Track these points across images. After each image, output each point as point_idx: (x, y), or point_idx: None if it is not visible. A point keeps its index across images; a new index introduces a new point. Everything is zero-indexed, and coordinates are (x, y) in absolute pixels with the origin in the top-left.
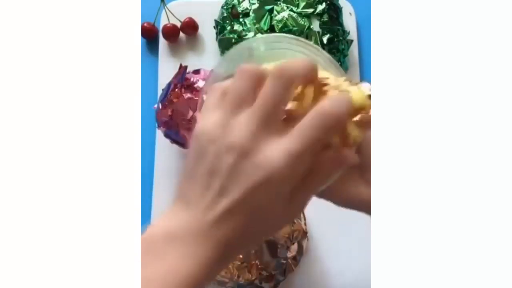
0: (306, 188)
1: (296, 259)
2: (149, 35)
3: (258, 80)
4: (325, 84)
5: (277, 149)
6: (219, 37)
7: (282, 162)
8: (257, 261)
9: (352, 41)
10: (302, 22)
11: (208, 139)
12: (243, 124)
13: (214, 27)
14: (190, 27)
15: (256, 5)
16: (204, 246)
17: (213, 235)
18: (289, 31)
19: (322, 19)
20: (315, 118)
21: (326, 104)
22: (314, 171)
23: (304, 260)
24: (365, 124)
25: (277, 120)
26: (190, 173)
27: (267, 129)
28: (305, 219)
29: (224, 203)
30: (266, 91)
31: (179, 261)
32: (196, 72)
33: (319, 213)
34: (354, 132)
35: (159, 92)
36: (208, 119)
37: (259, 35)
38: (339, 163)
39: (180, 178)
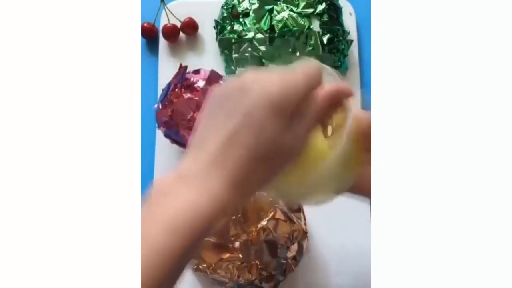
0: (306, 116)
1: (296, 259)
2: (149, 35)
3: None
4: None
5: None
6: (219, 37)
7: (275, 86)
8: (257, 261)
9: (352, 41)
10: (302, 22)
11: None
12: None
13: (214, 27)
14: (190, 27)
15: (256, 5)
16: (213, 182)
17: (221, 169)
18: (289, 31)
19: (322, 19)
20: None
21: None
22: (311, 104)
23: (304, 260)
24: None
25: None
26: (202, 123)
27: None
28: (305, 219)
29: (225, 131)
30: None
31: (190, 197)
32: (196, 72)
33: (319, 213)
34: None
35: (159, 92)
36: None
37: (259, 35)
38: (331, 94)
39: (195, 131)
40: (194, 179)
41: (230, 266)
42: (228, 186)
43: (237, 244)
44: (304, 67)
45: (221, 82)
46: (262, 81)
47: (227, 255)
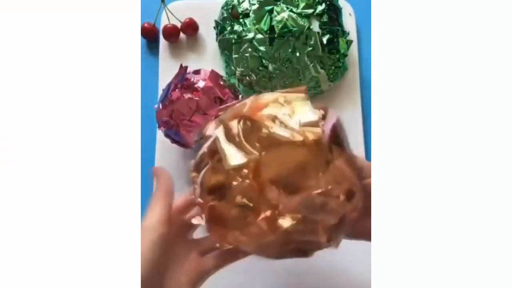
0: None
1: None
2: (150, 36)
3: None
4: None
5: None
6: (219, 37)
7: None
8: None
9: (352, 41)
10: (302, 23)
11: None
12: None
13: (214, 27)
14: (191, 27)
15: (256, 6)
16: None
17: None
18: (289, 32)
19: (322, 20)
20: None
21: None
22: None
23: (304, 260)
24: None
25: None
26: None
27: None
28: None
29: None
30: None
31: None
32: (197, 72)
33: None
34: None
35: (159, 92)
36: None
37: (259, 35)
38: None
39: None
40: None
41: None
42: None
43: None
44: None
45: (220, 82)
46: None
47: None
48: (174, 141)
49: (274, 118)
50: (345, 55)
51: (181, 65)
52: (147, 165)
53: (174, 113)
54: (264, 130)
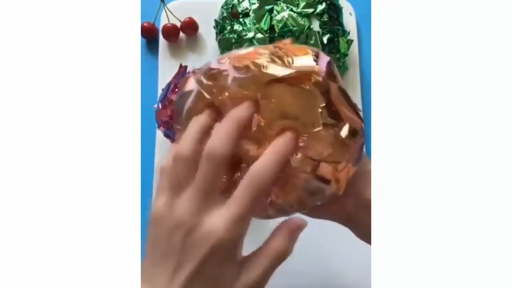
0: (256, 257)
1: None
2: (149, 35)
3: (194, 160)
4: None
5: (217, 218)
6: (219, 37)
7: (222, 229)
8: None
9: (352, 41)
10: (302, 22)
11: (159, 222)
12: (185, 203)
13: (214, 27)
14: (190, 27)
15: (256, 5)
16: None
17: None
18: (289, 31)
19: (322, 19)
20: (247, 183)
21: (256, 166)
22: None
23: (305, 262)
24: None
25: (215, 192)
26: (149, 256)
27: (207, 203)
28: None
29: (181, 276)
30: (200, 174)
31: None
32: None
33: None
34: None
35: (159, 92)
36: (157, 202)
37: (259, 35)
38: (274, 257)
39: (143, 262)
40: None
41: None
42: None
43: None
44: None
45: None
46: (204, 221)
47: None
48: (174, 141)
49: (267, 59)
50: (345, 55)
51: (180, 65)
52: (147, 165)
53: (173, 113)
54: (257, 70)
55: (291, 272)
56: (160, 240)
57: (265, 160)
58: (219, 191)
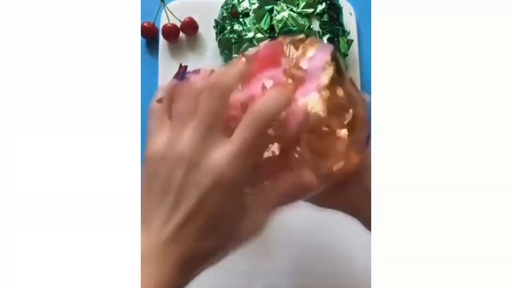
0: (264, 198)
1: None
2: (149, 35)
3: (196, 95)
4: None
5: (220, 154)
6: (219, 37)
7: (224, 164)
8: None
9: (352, 41)
10: (302, 22)
11: (158, 158)
12: (187, 138)
13: (214, 27)
14: (190, 27)
15: (256, 5)
16: (163, 267)
17: (171, 254)
18: (289, 31)
19: (322, 19)
20: (249, 119)
21: (257, 104)
22: (271, 185)
23: (304, 261)
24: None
25: (219, 128)
26: (146, 195)
27: (210, 138)
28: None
29: (178, 216)
30: (203, 105)
31: (151, 273)
32: (196, 72)
33: (318, 213)
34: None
35: None
36: (155, 140)
37: (259, 35)
38: (295, 186)
39: (141, 201)
40: (143, 264)
41: None
42: (179, 271)
43: None
44: (245, 130)
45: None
46: (207, 156)
47: None
48: None
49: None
50: (345, 55)
51: (180, 65)
52: None
53: None
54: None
55: (289, 272)
56: (159, 177)
57: (268, 97)
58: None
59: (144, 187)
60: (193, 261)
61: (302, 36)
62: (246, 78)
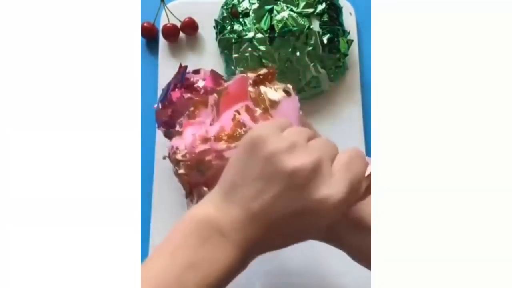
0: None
1: None
2: (149, 35)
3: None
4: None
5: (336, 191)
6: (219, 37)
7: (336, 204)
8: None
9: (352, 41)
10: (302, 22)
11: (265, 144)
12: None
13: (214, 27)
14: (190, 27)
15: (256, 5)
16: (247, 243)
17: (256, 230)
18: (289, 31)
19: (322, 19)
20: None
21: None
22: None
23: (304, 261)
24: None
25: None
26: (237, 168)
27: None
28: None
29: (267, 196)
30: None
31: (225, 255)
32: (196, 72)
33: None
34: None
35: (159, 92)
36: (265, 128)
37: (259, 35)
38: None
39: (228, 170)
40: (230, 235)
41: None
42: (247, 249)
43: None
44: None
45: (221, 81)
46: (325, 202)
47: None
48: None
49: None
50: (345, 55)
51: (180, 65)
52: (147, 165)
53: (174, 113)
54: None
55: (289, 272)
56: (260, 163)
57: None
58: None
59: (237, 162)
60: (262, 246)
61: (263, 71)
62: (217, 112)
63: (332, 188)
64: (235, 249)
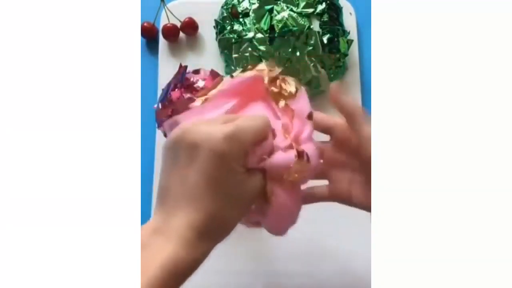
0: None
1: None
2: (149, 35)
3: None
4: None
5: (216, 131)
6: (219, 37)
7: (220, 139)
8: None
9: (352, 41)
10: (302, 22)
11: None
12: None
13: (214, 27)
14: (190, 27)
15: (256, 5)
16: (186, 234)
17: (191, 220)
18: (289, 31)
19: (322, 19)
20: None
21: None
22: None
23: (304, 261)
24: None
25: None
26: (164, 176)
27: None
28: None
29: (188, 188)
30: None
31: (168, 251)
32: (196, 72)
33: (318, 213)
34: None
35: (159, 92)
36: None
37: (259, 35)
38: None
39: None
40: (168, 232)
41: None
42: (199, 235)
43: None
44: (249, 120)
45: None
46: (208, 139)
47: None
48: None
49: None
50: (345, 55)
51: (180, 65)
52: (146, 165)
53: (174, 113)
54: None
55: (290, 272)
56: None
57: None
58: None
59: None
60: (210, 226)
61: (261, 67)
62: (230, 111)
63: (218, 127)
64: (175, 240)
